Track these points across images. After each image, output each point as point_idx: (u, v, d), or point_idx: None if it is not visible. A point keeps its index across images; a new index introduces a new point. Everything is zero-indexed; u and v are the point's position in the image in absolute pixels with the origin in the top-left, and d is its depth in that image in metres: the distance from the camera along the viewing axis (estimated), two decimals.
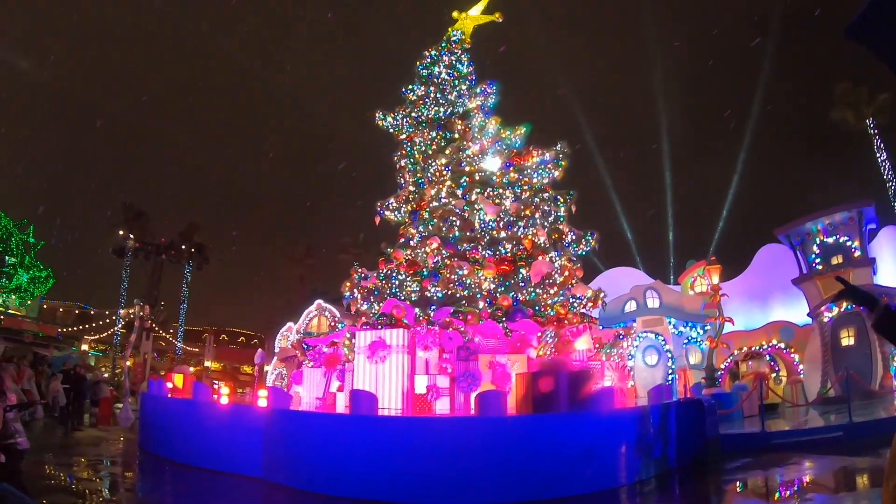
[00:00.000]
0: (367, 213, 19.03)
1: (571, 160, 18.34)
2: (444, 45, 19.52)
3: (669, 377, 22.82)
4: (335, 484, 9.72)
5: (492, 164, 17.97)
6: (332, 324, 23.19)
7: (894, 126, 37.44)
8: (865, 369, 21.07)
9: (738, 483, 11.51)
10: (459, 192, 17.47)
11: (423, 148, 18.26)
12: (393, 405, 13.23)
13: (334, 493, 9.60)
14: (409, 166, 18.50)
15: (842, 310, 23.77)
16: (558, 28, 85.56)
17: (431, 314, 15.01)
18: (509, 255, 16.69)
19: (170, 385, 17.44)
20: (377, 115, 19.18)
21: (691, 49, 72.41)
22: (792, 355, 25.17)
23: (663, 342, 23.77)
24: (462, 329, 14.43)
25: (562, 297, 16.20)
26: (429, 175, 17.88)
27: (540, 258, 16.38)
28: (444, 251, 16.08)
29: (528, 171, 17.84)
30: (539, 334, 14.95)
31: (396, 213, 18.47)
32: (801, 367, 24.86)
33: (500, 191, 17.49)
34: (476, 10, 20.01)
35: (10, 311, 44.08)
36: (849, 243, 24.58)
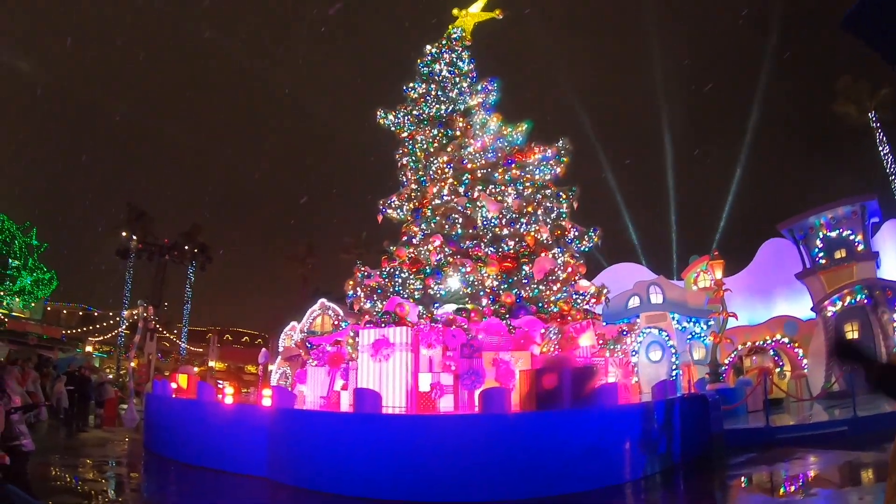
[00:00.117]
0: (369, 212, 19.04)
1: (573, 156, 18.33)
2: (444, 42, 19.49)
3: (673, 373, 22.82)
4: (339, 482, 9.74)
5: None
6: (336, 322, 23.20)
7: None
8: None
9: (742, 478, 11.50)
10: (461, 190, 17.45)
11: (425, 146, 18.24)
12: (397, 403, 13.23)
13: (339, 491, 9.62)
14: (411, 164, 18.48)
15: (846, 304, 23.74)
16: (558, 27, 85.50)
17: (435, 312, 15.01)
18: (512, 251, 16.68)
19: (174, 385, 17.49)
20: (378, 113, 19.16)
21: (692, 45, 72.32)
22: (796, 350, 25.14)
23: (667, 338, 23.77)
24: (465, 326, 14.44)
25: (565, 294, 16.19)
26: (431, 173, 17.86)
27: (543, 255, 16.36)
28: (446, 248, 16.08)
29: (530, 167, 17.82)
30: (542, 331, 14.94)
31: (399, 211, 18.45)
32: (805, 361, 24.83)
33: (503, 188, 17.47)
34: (476, 8, 19.96)
35: (14, 314, 44.16)
36: (852, 237, 24.54)
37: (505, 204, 17.17)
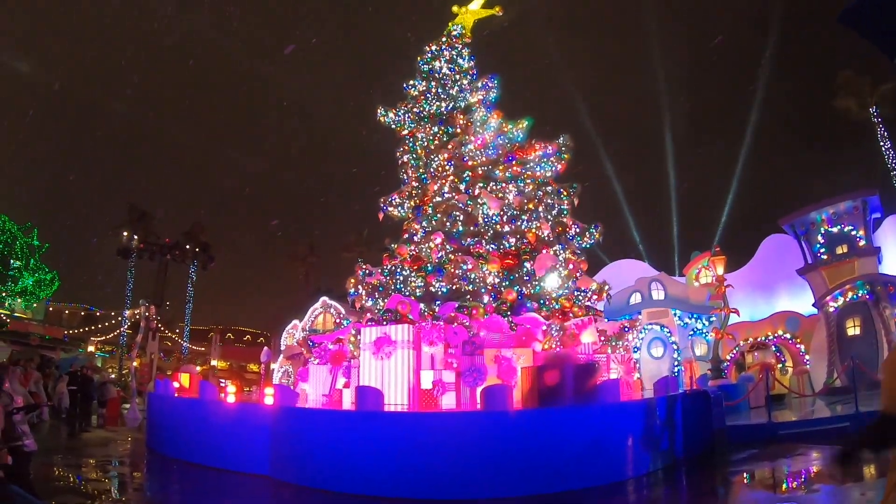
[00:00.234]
0: (370, 210, 19.03)
1: (574, 153, 18.34)
2: (444, 39, 19.48)
3: (675, 369, 22.80)
4: (342, 480, 9.74)
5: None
6: (338, 321, 23.18)
7: None
8: (871, 359, 20.99)
9: (745, 474, 11.49)
10: (462, 187, 17.45)
11: (426, 143, 18.25)
12: (399, 401, 13.25)
13: (341, 489, 9.62)
14: (412, 162, 18.49)
15: (847, 300, 23.73)
16: (559, 25, 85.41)
17: (436, 309, 15.01)
18: (513, 248, 16.69)
19: (176, 385, 17.50)
20: (378, 111, 19.17)
21: (693, 40, 72.24)
22: (798, 346, 25.13)
23: (669, 334, 23.75)
24: (467, 324, 14.44)
25: (566, 290, 16.19)
26: (431, 170, 17.88)
27: (544, 251, 16.37)
28: (447, 246, 16.08)
29: (531, 164, 17.82)
30: (544, 328, 14.94)
31: (400, 208, 18.46)
32: (807, 357, 24.82)
33: (503, 185, 17.48)
34: (476, 5, 19.96)
35: (16, 315, 44.24)
36: (853, 232, 24.51)
37: (506, 201, 17.18)
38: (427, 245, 16.27)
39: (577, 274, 16.67)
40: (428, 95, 18.92)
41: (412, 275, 15.89)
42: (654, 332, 24.00)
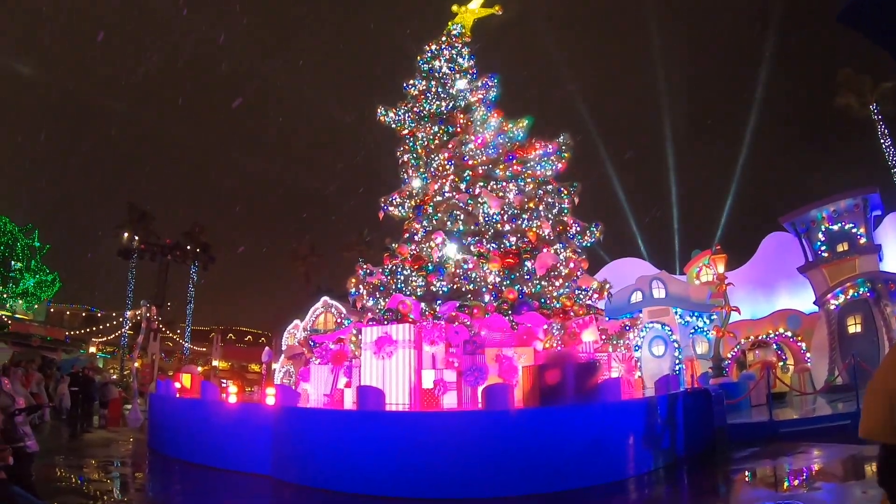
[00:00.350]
0: (371, 209, 19.03)
1: (575, 152, 18.33)
2: (444, 39, 19.48)
3: (676, 367, 22.81)
4: (343, 480, 9.75)
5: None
6: (339, 320, 23.23)
7: None
8: (872, 356, 20.97)
9: (746, 472, 11.50)
10: (463, 186, 17.45)
11: (426, 143, 18.24)
12: (400, 400, 13.25)
13: (343, 489, 9.63)
14: (412, 161, 18.48)
15: (848, 297, 23.72)
16: (559, 25, 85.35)
17: (437, 309, 15.02)
18: (514, 247, 16.68)
19: (178, 385, 17.50)
20: (379, 110, 19.16)
21: (693, 39, 72.19)
22: (799, 343, 25.13)
23: (670, 332, 23.75)
24: (468, 323, 14.44)
25: (567, 289, 16.19)
26: (432, 170, 17.87)
27: (545, 250, 16.37)
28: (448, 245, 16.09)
29: (531, 163, 17.81)
30: (545, 327, 14.95)
31: (400, 208, 18.45)
32: (808, 355, 24.81)
33: (504, 184, 17.48)
34: (475, 4, 19.95)
35: (17, 316, 44.26)
36: (854, 230, 24.50)
37: (506, 200, 17.17)
38: (427, 244, 16.27)
39: (578, 273, 16.67)
40: (428, 95, 18.90)
41: (413, 274, 15.89)
42: (655, 330, 24.01)
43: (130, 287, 52.27)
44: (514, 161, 17.73)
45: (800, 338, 25.21)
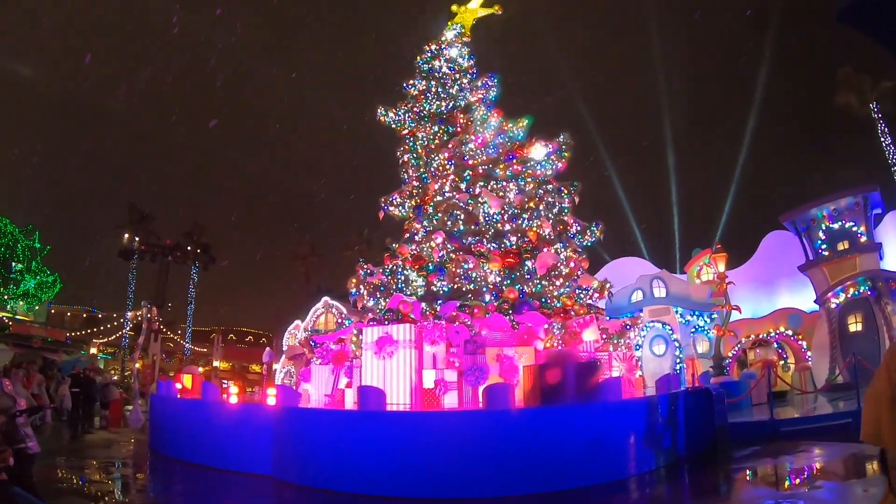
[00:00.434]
0: (371, 209, 19.04)
1: (575, 151, 18.32)
2: (443, 39, 19.47)
3: (677, 366, 22.79)
4: (344, 480, 9.75)
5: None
6: (339, 321, 23.21)
7: None
8: (873, 355, 20.96)
9: (747, 471, 11.50)
10: (463, 186, 17.46)
11: (426, 142, 18.25)
12: (401, 400, 13.26)
13: (344, 489, 9.64)
14: (412, 161, 18.49)
15: (849, 296, 23.72)
16: (559, 24, 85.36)
17: (438, 309, 15.02)
18: (514, 247, 16.69)
19: (179, 386, 17.49)
20: (379, 111, 19.16)
21: (693, 40, 72.18)
22: (800, 342, 25.11)
23: (670, 331, 23.74)
24: (469, 323, 14.44)
25: (568, 289, 16.19)
26: (432, 169, 17.88)
27: (545, 250, 16.37)
28: (449, 245, 16.08)
29: (532, 163, 17.81)
30: (546, 326, 14.95)
31: (400, 208, 18.46)
32: (808, 353, 24.80)
33: (504, 183, 17.48)
34: (475, 4, 19.95)
35: (18, 317, 44.28)
36: (854, 229, 24.49)
37: (506, 199, 17.17)
38: (428, 244, 16.27)
39: (579, 272, 16.67)
40: (428, 95, 18.91)
41: (413, 274, 15.90)
42: (655, 329, 23.99)
43: (131, 288, 52.31)
44: (515, 160, 17.73)
45: (800, 336, 25.19)
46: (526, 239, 16.79)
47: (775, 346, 25.54)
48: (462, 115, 18.29)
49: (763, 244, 29.26)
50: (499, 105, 18.87)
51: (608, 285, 17.17)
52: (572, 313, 15.61)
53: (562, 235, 17.34)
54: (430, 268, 15.88)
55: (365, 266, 17.11)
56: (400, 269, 16.03)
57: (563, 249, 16.51)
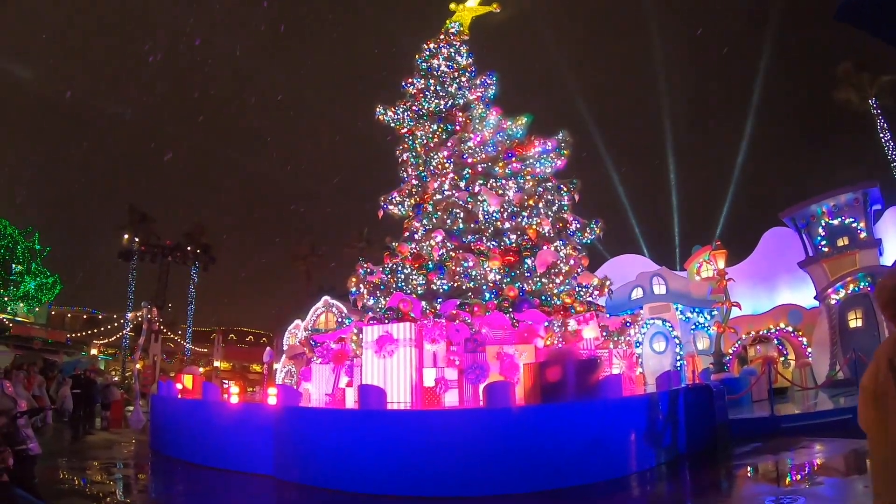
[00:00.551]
0: (371, 208, 19.03)
1: (574, 149, 18.32)
2: (442, 37, 19.47)
3: (678, 363, 22.82)
4: (345, 479, 9.76)
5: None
6: (340, 320, 23.22)
7: None
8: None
9: (748, 468, 11.51)
10: (462, 184, 17.46)
11: (425, 141, 18.25)
12: (402, 399, 13.25)
13: (345, 488, 9.64)
14: (412, 160, 18.49)
15: (849, 292, 23.72)
16: (559, 22, 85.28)
17: (438, 307, 15.02)
18: (514, 245, 16.68)
19: (179, 386, 17.49)
20: (377, 109, 19.15)
21: (692, 34, 72.17)
22: (800, 338, 25.14)
23: (671, 328, 23.76)
24: (469, 321, 14.44)
25: (568, 286, 16.19)
26: (431, 168, 17.88)
27: (545, 248, 16.37)
28: (448, 244, 16.08)
29: (531, 160, 17.80)
30: (546, 324, 14.94)
31: (400, 207, 18.45)
32: (809, 350, 24.83)
33: (503, 181, 17.47)
34: (473, 2, 19.94)
35: (18, 319, 44.28)
36: (854, 224, 24.50)
37: (506, 197, 17.17)
38: (427, 243, 16.28)
39: (579, 270, 16.66)
40: (426, 93, 18.92)
41: (413, 273, 15.90)
42: (656, 326, 24.02)
43: (131, 289, 52.25)
44: (514, 158, 17.72)
45: (801, 333, 25.22)
46: (525, 237, 16.79)
47: (775, 342, 25.56)
48: (461, 114, 18.29)
49: (763, 241, 29.27)
50: (497, 103, 18.88)
51: (608, 282, 17.16)
52: (572, 311, 15.59)
53: (561, 233, 17.34)
54: (430, 266, 15.88)
55: (365, 265, 17.11)
56: (400, 268, 16.03)
57: (562, 247, 16.52)
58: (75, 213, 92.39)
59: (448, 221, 16.78)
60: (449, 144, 17.78)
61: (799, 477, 10.20)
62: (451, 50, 19.23)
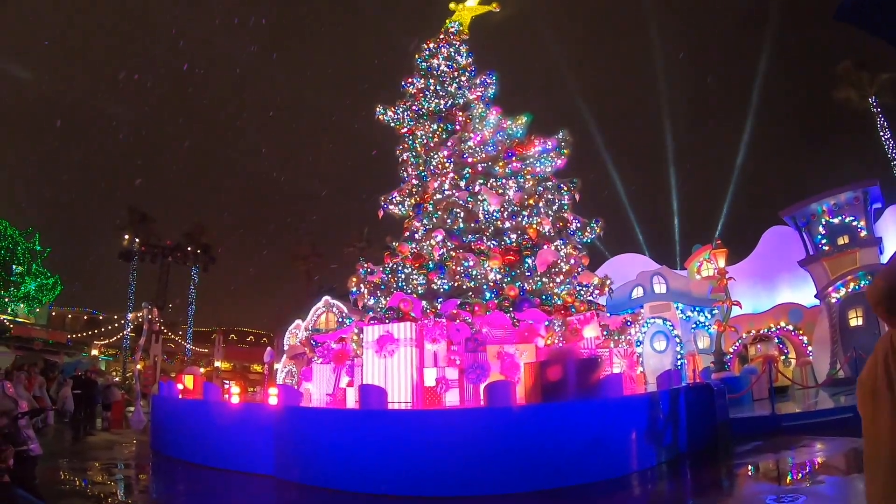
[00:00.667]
0: (371, 208, 19.04)
1: (574, 149, 18.31)
2: (442, 37, 19.47)
3: (678, 362, 22.81)
4: (346, 479, 9.76)
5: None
6: (340, 320, 23.23)
7: None
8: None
9: (749, 466, 11.51)
10: (462, 184, 17.46)
11: (425, 141, 18.25)
12: (402, 399, 13.25)
13: (346, 488, 9.64)
14: (412, 160, 18.48)
15: (849, 290, 23.72)
16: (559, 22, 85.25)
17: (438, 307, 15.02)
18: (514, 244, 16.67)
19: (180, 386, 17.49)
20: (377, 109, 19.14)
21: (692, 36, 72.14)
22: (800, 337, 25.15)
23: (671, 327, 23.76)
24: (469, 320, 14.44)
25: (568, 286, 16.18)
26: (431, 168, 17.88)
27: (545, 247, 16.36)
28: (449, 243, 16.08)
29: (531, 160, 17.80)
30: (546, 323, 14.94)
31: (400, 206, 18.45)
32: (809, 348, 24.83)
33: (503, 181, 17.47)
34: (473, 1, 19.93)
35: (19, 320, 44.27)
36: (854, 223, 24.51)
37: (506, 197, 17.17)
38: (428, 242, 16.27)
39: (579, 269, 16.66)
40: (426, 93, 18.91)
41: (414, 272, 15.90)
42: (656, 325, 24.01)
43: (132, 289, 52.25)
44: (514, 158, 17.71)
45: (801, 331, 25.23)
46: (526, 236, 16.78)
47: (776, 341, 25.57)
48: (461, 113, 18.29)
49: (763, 240, 29.29)
50: (497, 103, 18.87)
51: (608, 282, 17.16)
52: (573, 310, 15.59)
53: (562, 232, 17.33)
54: (431, 266, 15.88)
55: (365, 265, 17.11)
56: (400, 268, 16.03)
57: (563, 246, 16.52)
58: (75, 214, 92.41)
59: (448, 221, 16.78)
60: (449, 144, 17.78)
61: (800, 476, 10.20)
62: (451, 49, 19.23)
